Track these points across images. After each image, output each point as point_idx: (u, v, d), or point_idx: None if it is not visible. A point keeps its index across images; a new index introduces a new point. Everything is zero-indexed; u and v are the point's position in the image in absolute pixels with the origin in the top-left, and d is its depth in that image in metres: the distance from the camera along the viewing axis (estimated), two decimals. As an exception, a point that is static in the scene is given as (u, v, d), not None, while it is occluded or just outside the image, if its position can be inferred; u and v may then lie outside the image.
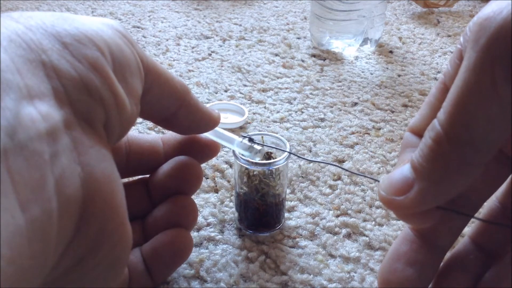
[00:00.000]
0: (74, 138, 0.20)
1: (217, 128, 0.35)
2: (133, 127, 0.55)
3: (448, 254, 0.29)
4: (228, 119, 0.56)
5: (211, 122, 0.33)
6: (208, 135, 0.35)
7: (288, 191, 0.46)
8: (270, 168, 0.37)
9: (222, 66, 0.71)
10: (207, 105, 0.58)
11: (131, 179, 0.37)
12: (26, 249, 0.16)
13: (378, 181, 0.26)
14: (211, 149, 0.36)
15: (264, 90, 0.65)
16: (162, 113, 0.30)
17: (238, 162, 0.37)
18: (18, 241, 0.16)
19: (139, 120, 0.57)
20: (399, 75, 0.70)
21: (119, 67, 0.23)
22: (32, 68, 0.19)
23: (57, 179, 0.18)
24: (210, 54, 0.75)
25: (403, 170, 0.24)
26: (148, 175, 0.35)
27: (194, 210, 0.34)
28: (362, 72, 0.70)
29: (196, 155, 0.35)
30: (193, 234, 0.41)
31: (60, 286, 0.21)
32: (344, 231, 0.41)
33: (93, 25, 0.23)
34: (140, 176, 0.36)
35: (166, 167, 0.34)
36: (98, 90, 0.21)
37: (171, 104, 0.30)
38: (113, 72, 0.23)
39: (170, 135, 0.35)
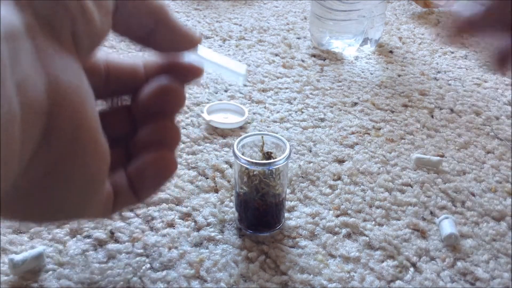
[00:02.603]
0: (36, 44, 0.19)
1: (206, 55, 0.33)
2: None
3: None
4: (228, 119, 0.56)
5: (190, 40, 0.32)
6: (196, 58, 0.33)
7: (288, 191, 0.46)
8: (270, 168, 0.37)
9: (222, 66, 0.71)
10: (207, 105, 0.58)
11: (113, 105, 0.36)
12: None
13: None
14: (193, 72, 0.34)
15: (264, 90, 0.65)
16: (138, 30, 0.29)
17: (238, 162, 0.37)
18: None
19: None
20: (399, 75, 0.70)
21: None
22: None
23: (19, 84, 0.18)
24: (210, 54, 0.75)
25: None
26: (130, 102, 0.34)
27: (176, 131, 0.33)
28: (362, 72, 0.70)
29: (179, 77, 0.34)
30: (193, 234, 0.41)
31: (35, 194, 0.21)
32: (344, 231, 0.41)
33: None
34: (122, 103, 0.35)
35: (147, 88, 0.33)
36: None
37: (146, 20, 0.29)
38: None
39: (151, 58, 0.34)
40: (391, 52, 0.78)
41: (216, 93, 0.64)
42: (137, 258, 0.39)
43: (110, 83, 0.32)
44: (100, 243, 0.40)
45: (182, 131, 0.55)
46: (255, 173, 0.38)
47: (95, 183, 0.24)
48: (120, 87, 0.33)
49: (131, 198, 0.30)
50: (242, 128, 0.56)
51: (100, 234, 0.41)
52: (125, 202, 0.30)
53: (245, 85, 0.66)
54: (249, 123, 0.57)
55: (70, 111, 0.21)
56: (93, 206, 0.25)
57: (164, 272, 0.37)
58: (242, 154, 0.38)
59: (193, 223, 0.42)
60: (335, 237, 0.41)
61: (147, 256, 0.39)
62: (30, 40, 0.19)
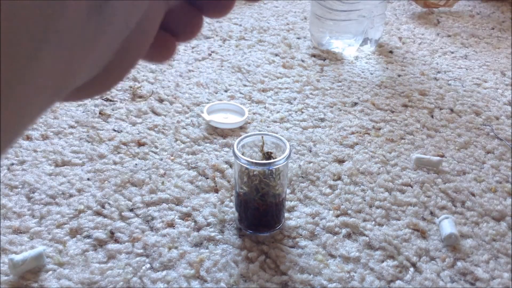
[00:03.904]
0: None
1: None
2: (133, 127, 0.55)
3: None
4: (228, 119, 0.56)
5: None
6: None
7: (288, 191, 0.46)
8: (270, 168, 0.37)
9: (222, 66, 0.71)
10: (207, 105, 0.58)
11: None
12: None
13: None
14: None
15: (264, 90, 0.65)
16: None
17: (238, 162, 0.37)
18: None
19: (139, 120, 0.57)
20: (399, 75, 0.70)
21: None
22: None
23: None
24: (210, 54, 0.75)
25: None
26: None
27: (200, 23, 0.32)
28: (362, 72, 0.70)
29: None
30: (193, 234, 0.41)
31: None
32: (344, 231, 0.41)
33: None
34: None
35: None
36: None
37: None
38: None
39: None
40: (391, 52, 0.78)
41: (216, 93, 0.64)
42: (137, 258, 0.39)
43: None
44: (100, 243, 0.40)
45: (182, 131, 0.55)
46: (255, 173, 0.38)
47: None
48: None
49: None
50: (242, 128, 0.56)
51: (100, 234, 0.41)
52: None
53: (245, 85, 0.66)
54: (248, 123, 0.57)
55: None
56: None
57: (164, 272, 0.37)
58: (242, 154, 0.38)
59: (193, 223, 0.42)
60: (335, 237, 0.41)
61: (147, 256, 0.39)
62: None
